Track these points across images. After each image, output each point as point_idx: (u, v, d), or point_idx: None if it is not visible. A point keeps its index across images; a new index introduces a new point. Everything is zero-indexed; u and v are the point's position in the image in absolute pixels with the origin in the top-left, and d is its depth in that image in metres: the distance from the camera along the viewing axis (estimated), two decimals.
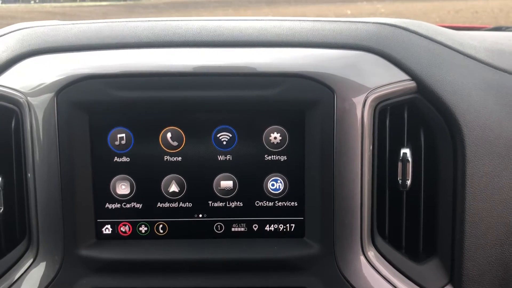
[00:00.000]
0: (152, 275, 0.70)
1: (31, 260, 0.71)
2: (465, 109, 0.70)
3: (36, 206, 0.70)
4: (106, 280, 0.70)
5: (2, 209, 0.72)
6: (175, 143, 0.70)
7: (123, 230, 0.72)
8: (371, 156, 0.70)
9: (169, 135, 0.70)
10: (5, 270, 0.72)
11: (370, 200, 0.71)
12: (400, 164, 0.71)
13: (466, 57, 0.75)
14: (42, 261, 0.71)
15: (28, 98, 0.69)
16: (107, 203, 0.71)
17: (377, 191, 0.72)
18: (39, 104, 0.69)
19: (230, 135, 0.70)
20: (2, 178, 0.72)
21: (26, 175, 0.71)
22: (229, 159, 0.70)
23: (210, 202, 0.71)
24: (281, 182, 0.71)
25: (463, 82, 0.72)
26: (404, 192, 0.73)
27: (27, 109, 0.69)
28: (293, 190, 0.71)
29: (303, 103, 0.69)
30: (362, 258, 0.71)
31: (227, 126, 0.70)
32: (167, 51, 0.71)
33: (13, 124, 0.72)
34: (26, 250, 0.72)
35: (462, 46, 0.77)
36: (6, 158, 0.73)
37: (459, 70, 0.73)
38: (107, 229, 0.71)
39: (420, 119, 0.73)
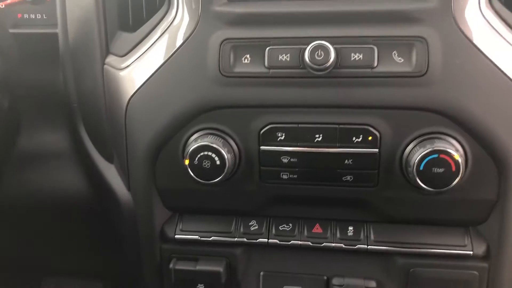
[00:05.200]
0: (276, 27, 0.77)
1: (171, 19, 0.82)
2: None
3: None
4: (236, 32, 0.78)
5: None
6: None
7: None
8: None
9: None
10: (150, 30, 0.85)
11: None
12: None
13: None
14: (182, 18, 0.81)
15: None
16: None
17: None
18: None
19: None
20: None
21: None
22: None
23: None
24: None
25: None
26: None
27: None
28: None
29: None
30: (479, 14, 0.74)
31: None
32: None
33: None
34: (166, 13, 0.84)
35: None
36: None
37: None
38: None
39: None
